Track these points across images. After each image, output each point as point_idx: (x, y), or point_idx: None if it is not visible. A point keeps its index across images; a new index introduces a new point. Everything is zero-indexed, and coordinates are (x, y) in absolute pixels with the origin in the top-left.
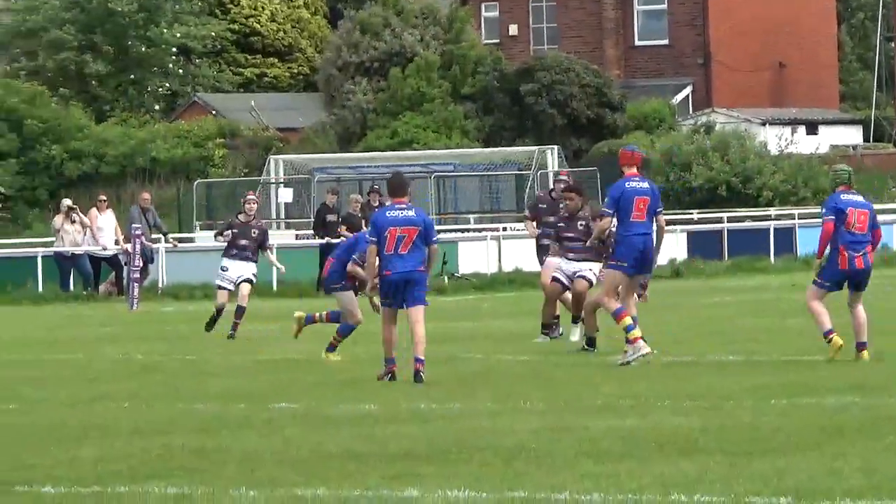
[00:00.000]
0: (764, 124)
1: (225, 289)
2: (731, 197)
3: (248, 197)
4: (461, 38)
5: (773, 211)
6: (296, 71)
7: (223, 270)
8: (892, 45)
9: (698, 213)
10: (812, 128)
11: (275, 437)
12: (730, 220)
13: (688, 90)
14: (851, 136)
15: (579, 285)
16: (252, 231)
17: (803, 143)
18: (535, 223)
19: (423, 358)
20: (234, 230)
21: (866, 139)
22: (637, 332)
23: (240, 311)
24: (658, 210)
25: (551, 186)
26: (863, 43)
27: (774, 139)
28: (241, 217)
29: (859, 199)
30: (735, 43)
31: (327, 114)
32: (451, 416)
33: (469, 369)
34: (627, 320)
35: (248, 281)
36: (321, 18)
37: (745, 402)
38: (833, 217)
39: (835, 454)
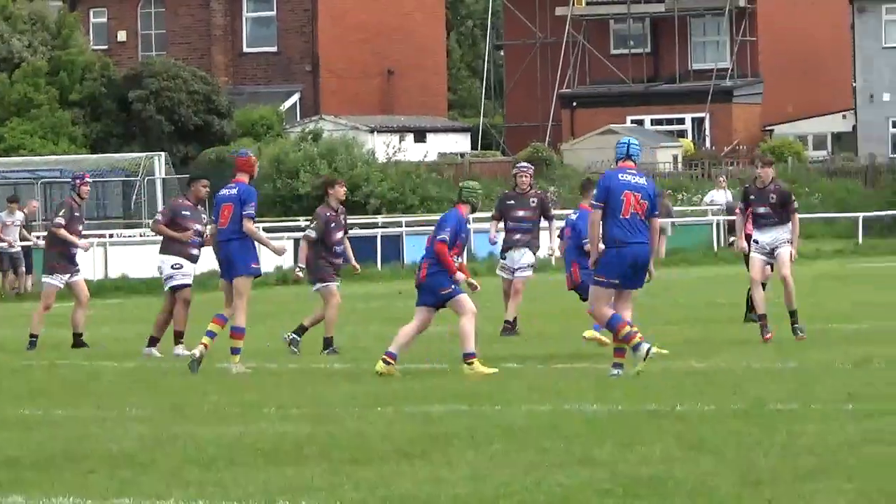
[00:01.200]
0: (372, 132)
1: None
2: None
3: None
4: (69, 43)
5: (380, 219)
6: None
7: None
8: (501, 53)
9: (305, 220)
10: (420, 135)
11: None
12: None
13: (296, 97)
14: (460, 143)
15: None
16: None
17: (411, 151)
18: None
19: None
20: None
21: (474, 147)
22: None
23: None
24: (242, 214)
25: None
26: (472, 51)
27: (382, 147)
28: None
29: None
30: (344, 50)
31: None
32: (56, 422)
33: (74, 376)
34: (213, 326)
35: None
36: None
37: (353, 409)
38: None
39: (442, 462)
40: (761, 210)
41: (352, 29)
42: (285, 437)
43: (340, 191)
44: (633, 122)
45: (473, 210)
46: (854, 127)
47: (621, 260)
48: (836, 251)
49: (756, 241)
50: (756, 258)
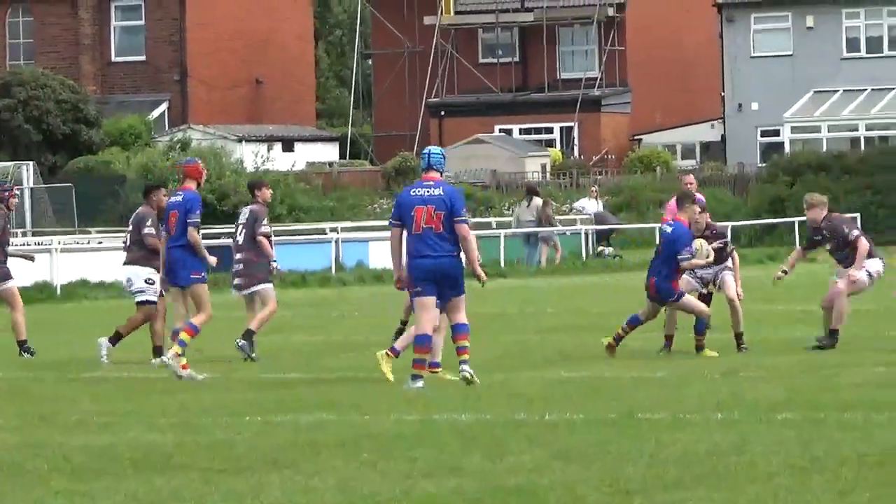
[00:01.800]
0: (240, 141)
1: None
2: (207, 213)
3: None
4: None
5: None
6: None
7: None
8: (370, 62)
9: None
10: (288, 145)
11: None
12: (206, 237)
13: (164, 106)
14: (328, 153)
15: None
16: None
17: (280, 160)
18: None
19: None
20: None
21: (343, 156)
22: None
23: None
24: (187, 221)
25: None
26: (340, 60)
27: (251, 156)
28: None
29: None
30: (212, 59)
31: None
32: None
33: None
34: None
35: None
36: None
37: (221, 419)
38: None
39: (310, 472)
40: None
41: (220, 38)
42: (153, 447)
43: (267, 193)
44: (501, 131)
45: None
46: (723, 136)
47: (415, 272)
48: None
49: (693, 271)
50: (685, 277)
